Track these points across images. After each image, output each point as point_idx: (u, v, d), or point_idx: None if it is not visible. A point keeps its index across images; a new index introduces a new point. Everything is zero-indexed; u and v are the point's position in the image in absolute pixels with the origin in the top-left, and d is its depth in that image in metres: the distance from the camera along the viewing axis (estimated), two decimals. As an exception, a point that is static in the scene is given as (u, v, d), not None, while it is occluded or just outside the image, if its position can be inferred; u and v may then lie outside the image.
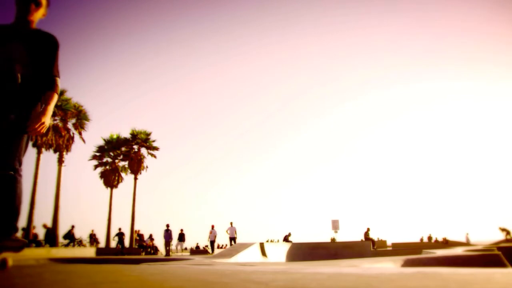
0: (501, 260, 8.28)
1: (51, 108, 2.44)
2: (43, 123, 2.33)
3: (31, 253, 14.60)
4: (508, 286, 1.22)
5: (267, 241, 23.82)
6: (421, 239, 31.77)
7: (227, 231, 20.01)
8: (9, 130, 2.23)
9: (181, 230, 22.17)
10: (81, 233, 24.70)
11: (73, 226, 20.53)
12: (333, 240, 24.11)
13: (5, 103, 2.26)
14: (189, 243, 37.64)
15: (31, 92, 2.41)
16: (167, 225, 20.43)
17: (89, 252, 19.30)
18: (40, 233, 20.49)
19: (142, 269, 2.55)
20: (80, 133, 24.32)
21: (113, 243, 23.36)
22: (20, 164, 2.29)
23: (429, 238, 30.68)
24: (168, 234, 20.15)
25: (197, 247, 32.42)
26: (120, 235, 21.85)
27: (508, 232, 31.71)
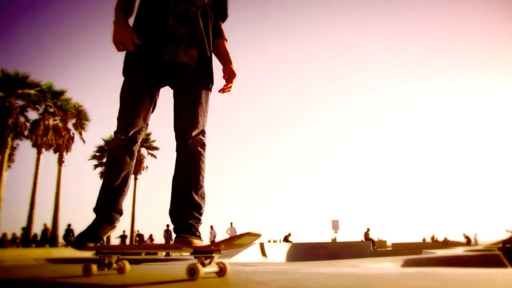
0: (501, 260, 8.28)
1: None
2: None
3: (31, 253, 14.60)
4: (508, 286, 1.22)
5: (269, 241, 23.80)
6: (424, 240, 31.71)
7: (227, 231, 19.99)
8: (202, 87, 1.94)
9: (181, 230, 22.16)
10: (81, 233, 24.64)
11: (69, 225, 20.50)
12: (334, 240, 24.09)
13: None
14: (189, 243, 37.57)
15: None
16: (167, 226, 20.43)
17: (89, 252, 19.26)
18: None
19: (143, 269, 2.55)
20: (80, 133, 24.30)
21: (113, 243, 23.34)
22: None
23: (432, 238, 30.58)
24: (168, 235, 20.16)
25: (197, 247, 32.37)
26: (123, 237, 21.90)
27: None
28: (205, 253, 1.57)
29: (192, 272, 1.47)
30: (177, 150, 1.90)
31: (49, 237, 20.15)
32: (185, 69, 1.92)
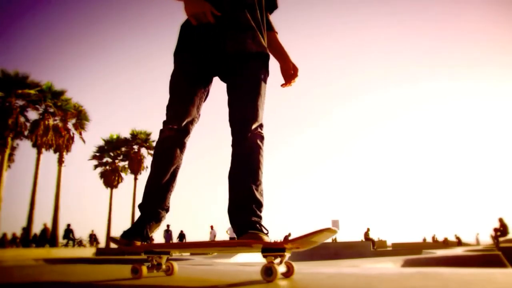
0: (501, 260, 8.28)
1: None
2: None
3: (32, 253, 14.60)
4: (508, 286, 1.22)
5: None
6: (424, 239, 31.67)
7: (227, 231, 19.99)
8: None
9: (181, 231, 22.22)
10: (81, 233, 24.75)
11: (68, 225, 20.49)
12: (334, 240, 24.05)
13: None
14: (189, 243, 37.62)
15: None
16: (168, 226, 20.43)
17: (89, 252, 19.29)
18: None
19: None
20: (80, 133, 24.32)
21: (114, 243, 23.33)
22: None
23: (433, 238, 30.52)
24: (168, 235, 20.16)
25: (197, 247, 32.38)
26: None
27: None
28: (277, 252, 1.40)
29: (269, 273, 1.32)
30: (234, 145, 1.75)
31: (49, 237, 20.16)
32: (246, 58, 1.79)
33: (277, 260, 1.41)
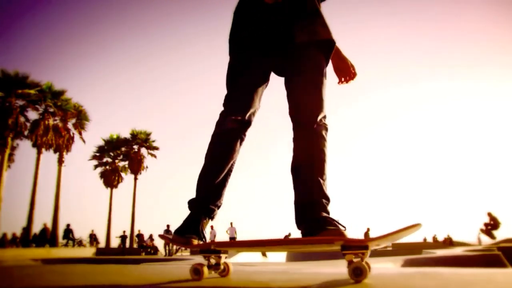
0: (501, 260, 8.28)
1: None
2: None
3: (31, 253, 14.61)
4: (508, 286, 1.22)
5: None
6: (425, 239, 31.66)
7: (227, 231, 19.99)
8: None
9: (181, 230, 22.21)
10: (81, 233, 24.77)
11: (68, 225, 20.50)
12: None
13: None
14: (189, 243, 37.63)
15: None
16: (168, 226, 20.45)
17: (89, 252, 19.30)
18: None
19: (143, 269, 2.55)
20: (80, 133, 24.35)
21: (114, 243, 23.41)
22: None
23: (434, 238, 30.51)
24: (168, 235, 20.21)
25: (197, 247, 32.41)
26: (124, 238, 21.93)
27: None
28: (359, 249, 1.30)
29: (358, 273, 1.24)
30: (298, 137, 1.64)
31: (49, 237, 20.18)
32: (313, 47, 1.68)
33: (357, 259, 1.30)
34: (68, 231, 20.42)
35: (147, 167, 28.65)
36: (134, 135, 28.72)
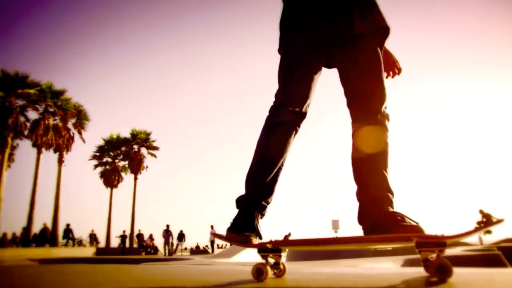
0: (501, 260, 8.28)
1: None
2: None
3: (32, 253, 14.60)
4: (508, 286, 1.22)
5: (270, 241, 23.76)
6: None
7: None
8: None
9: (181, 230, 22.26)
10: (81, 233, 24.78)
11: (68, 225, 20.51)
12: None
13: None
14: (189, 243, 37.70)
15: None
16: (167, 226, 20.45)
17: (89, 252, 19.30)
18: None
19: (143, 269, 2.55)
20: (80, 133, 24.34)
21: (114, 243, 23.42)
22: None
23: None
24: (167, 235, 20.18)
25: (197, 247, 32.42)
26: (124, 237, 21.94)
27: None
28: (436, 246, 1.23)
29: (443, 271, 1.17)
30: (360, 129, 1.57)
31: (49, 237, 20.18)
32: (372, 36, 1.63)
33: (434, 255, 1.23)
34: (68, 231, 20.42)
35: (147, 167, 28.66)
36: (134, 135, 28.71)
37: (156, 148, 29.21)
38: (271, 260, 1.47)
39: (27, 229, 20.14)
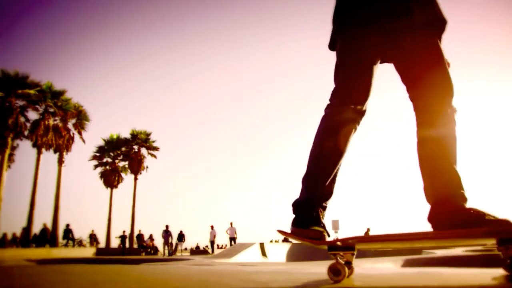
0: (501, 260, 8.24)
1: None
2: None
3: (32, 253, 14.61)
4: (508, 286, 1.22)
5: (271, 241, 23.79)
6: None
7: (227, 231, 20.00)
8: None
9: (181, 231, 22.30)
10: (81, 233, 24.79)
11: (67, 225, 20.51)
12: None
13: None
14: (189, 243, 37.71)
15: None
16: (167, 226, 20.47)
17: (89, 252, 19.30)
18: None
19: (143, 269, 2.55)
20: (80, 133, 24.35)
21: (114, 243, 23.42)
22: None
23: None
24: (167, 235, 20.20)
25: (197, 247, 32.43)
26: (123, 238, 21.94)
27: None
28: None
29: None
30: (429, 124, 1.51)
31: (49, 237, 20.18)
32: (430, 27, 1.59)
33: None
34: (68, 231, 20.42)
35: (147, 167, 28.67)
36: (134, 135, 28.71)
37: (156, 149, 29.22)
38: (342, 259, 1.37)
39: (27, 229, 20.14)
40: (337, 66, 1.63)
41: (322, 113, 1.61)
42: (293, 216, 1.50)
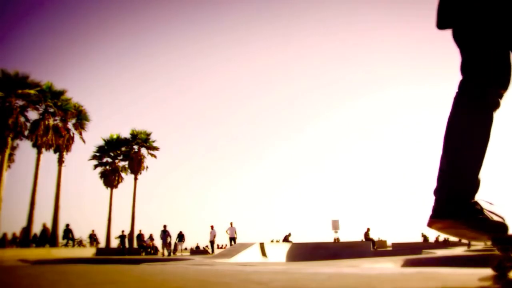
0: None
1: None
2: None
3: (32, 253, 14.61)
4: (508, 286, 1.22)
5: (271, 241, 23.80)
6: (427, 239, 31.62)
7: (227, 231, 20.01)
8: None
9: (180, 231, 22.33)
10: (81, 233, 24.75)
11: (67, 225, 20.51)
12: (337, 240, 24.06)
13: None
14: (189, 243, 37.69)
15: None
16: (164, 226, 20.47)
17: (89, 252, 19.30)
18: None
19: (142, 269, 2.55)
20: (80, 133, 24.35)
21: (114, 243, 23.41)
22: None
23: (436, 238, 30.54)
24: (165, 236, 20.20)
25: (197, 247, 32.42)
26: (123, 237, 21.95)
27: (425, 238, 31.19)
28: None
29: None
30: (464, 113, 1.42)
31: (49, 237, 20.18)
32: None
33: None
34: (68, 231, 20.42)
35: (147, 167, 28.65)
36: (134, 135, 28.70)
37: (156, 149, 29.21)
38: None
39: (27, 229, 20.13)
40: (475, 38, 1.46)
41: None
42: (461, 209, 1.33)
